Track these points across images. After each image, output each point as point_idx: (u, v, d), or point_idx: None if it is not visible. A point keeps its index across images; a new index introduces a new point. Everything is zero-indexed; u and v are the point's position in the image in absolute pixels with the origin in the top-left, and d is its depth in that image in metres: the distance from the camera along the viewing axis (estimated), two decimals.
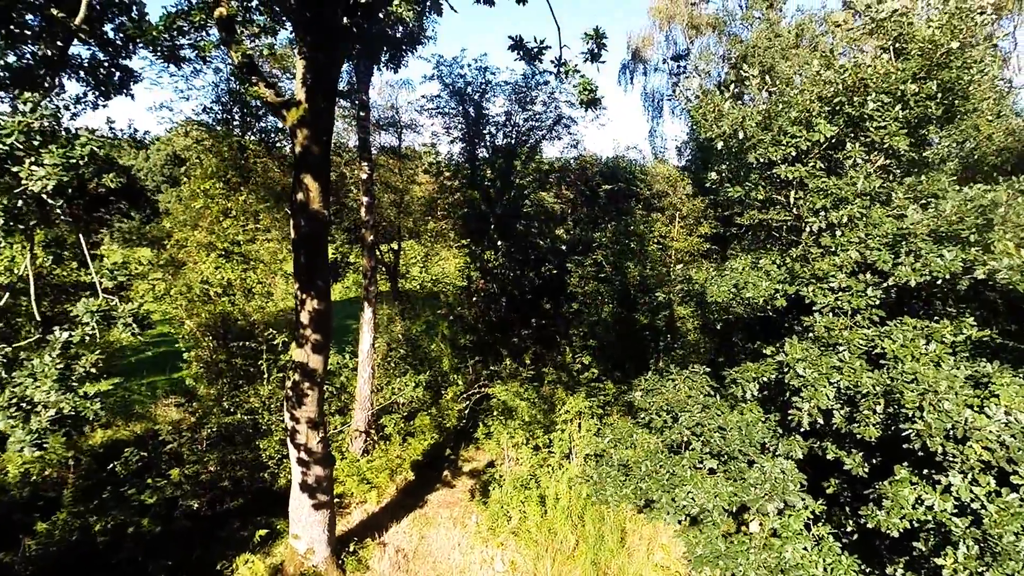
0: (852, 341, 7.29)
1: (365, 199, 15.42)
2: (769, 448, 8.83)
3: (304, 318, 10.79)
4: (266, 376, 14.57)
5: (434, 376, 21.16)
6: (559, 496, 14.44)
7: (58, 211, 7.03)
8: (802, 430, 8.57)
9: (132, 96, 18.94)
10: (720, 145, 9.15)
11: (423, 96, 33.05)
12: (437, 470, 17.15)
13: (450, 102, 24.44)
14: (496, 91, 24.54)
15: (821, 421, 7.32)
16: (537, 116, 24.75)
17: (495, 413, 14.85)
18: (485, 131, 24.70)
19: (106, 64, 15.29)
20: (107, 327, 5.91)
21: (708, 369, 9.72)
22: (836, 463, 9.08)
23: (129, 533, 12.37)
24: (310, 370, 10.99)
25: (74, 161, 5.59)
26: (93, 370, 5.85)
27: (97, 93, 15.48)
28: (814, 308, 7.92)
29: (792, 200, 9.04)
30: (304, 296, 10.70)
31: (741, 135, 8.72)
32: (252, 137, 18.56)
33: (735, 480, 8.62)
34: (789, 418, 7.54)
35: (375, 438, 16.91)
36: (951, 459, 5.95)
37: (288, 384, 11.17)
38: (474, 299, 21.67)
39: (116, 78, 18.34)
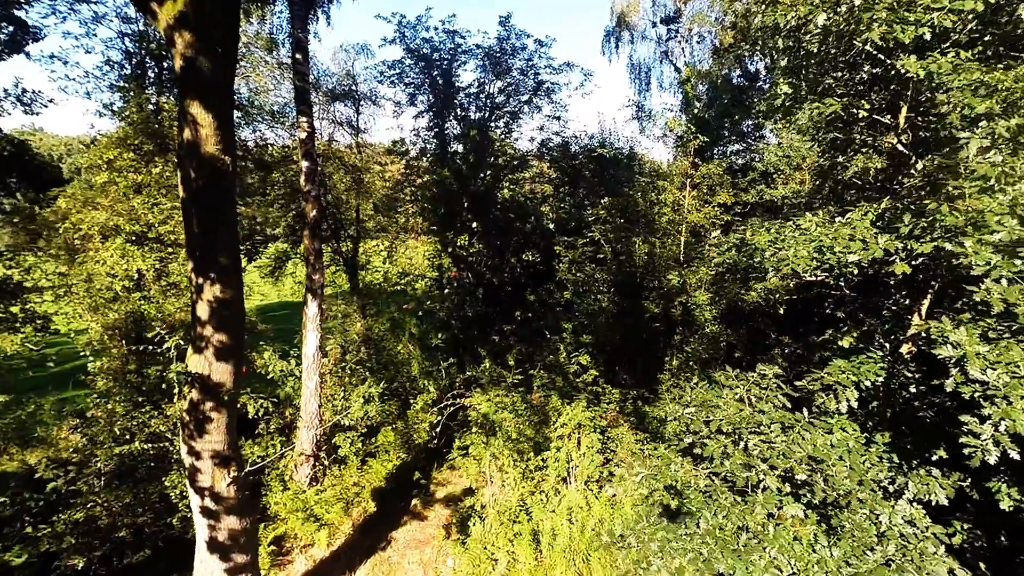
0: None
1: (305, 164, 12.25)
2: (883, 485, 5.97)
3: (202, 311, 7.62)
4: (177, 391, 11.28)
5: (401, 383, 18.08)
6: (556, 532, 11.49)
7: None
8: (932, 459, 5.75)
9: (28, 55, 15.32)
10: (820, 21, 6.17)
11: (383, 62, 29.83)
12: (404, 498, 14.05)
13: (414, 69, 21.36)
14: (467, 57, 21.59)
15: (1018, 456, 4.47)
16: (514, 85, 21.81)
17: (474, 429, 11.82)
18: (455, 102, 21.66)
19: None
20: None
21: (781, 372, 6.83)
22: (958, 500, 6.30)
23: None
24: (213, 385, 7.83)
25: None
26: None
27: None
28: (972, 273, 5.10)
29: (901, 123, 6.21)
30: (200, 279, 7.53)
31: (844, 7, 5.82)
32: (170, 98, 15.16)
33: (840, 538, 5.72)
34: (969, 454, 4.65)
35: (326, 462, 13.74)
36: None
37: (184, 406, 7.99)
38: (446, 291, 18.59)
39: (5, 33, 14.82)
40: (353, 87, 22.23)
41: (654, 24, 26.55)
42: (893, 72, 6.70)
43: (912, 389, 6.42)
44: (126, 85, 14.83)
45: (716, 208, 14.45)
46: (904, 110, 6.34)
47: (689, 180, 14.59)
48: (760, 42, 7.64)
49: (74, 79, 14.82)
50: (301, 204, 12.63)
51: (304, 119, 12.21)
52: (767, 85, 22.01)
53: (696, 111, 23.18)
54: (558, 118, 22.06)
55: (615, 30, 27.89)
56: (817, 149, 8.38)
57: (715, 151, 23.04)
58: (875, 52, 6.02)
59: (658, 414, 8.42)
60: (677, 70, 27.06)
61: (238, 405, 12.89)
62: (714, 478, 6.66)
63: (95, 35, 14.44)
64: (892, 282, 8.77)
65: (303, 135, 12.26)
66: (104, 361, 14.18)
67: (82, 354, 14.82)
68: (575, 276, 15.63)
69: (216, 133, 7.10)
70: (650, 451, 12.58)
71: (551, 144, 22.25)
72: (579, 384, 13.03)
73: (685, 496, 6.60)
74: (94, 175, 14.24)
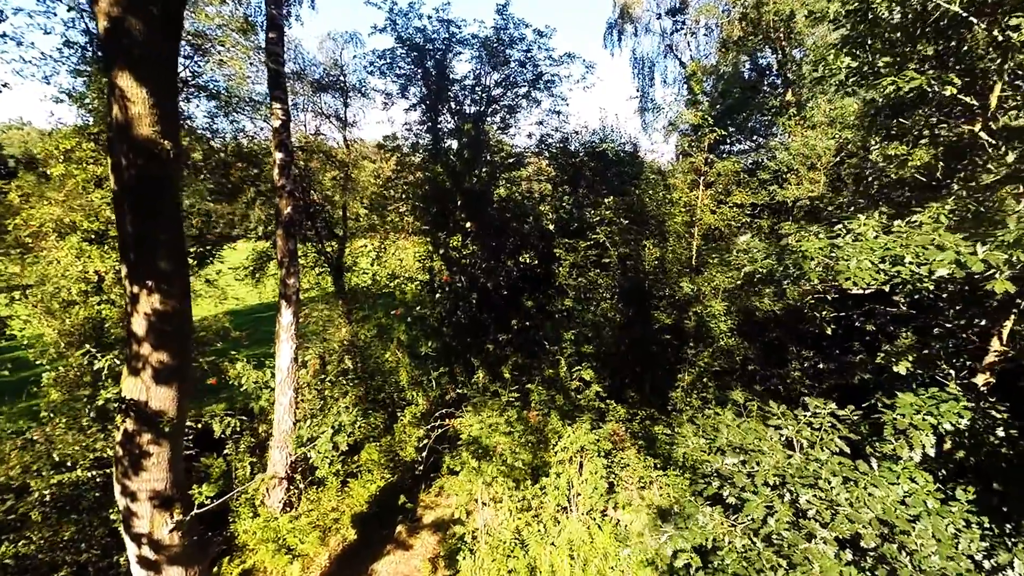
0: None
1: (279, 155, 11.01)
2: (974, 557, 4.77)
3: (138, 325, 6.37)
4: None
5: (389, 393, 16.85)
6: (556, 569, 10.28)
7: None
8: None
9: None
10: None
11: (372, 51, 28.62)
12: (388, 524, 12.81)
13: (406, 59, 20.15)
14: (462, 47, 20.41)
15: None
16: (512, 77, 20.62)
17: (463, 454, 10.59)
18: (449, 94, 20.45)
19: None
20: None
21: (835, 408, 5.60)
22: None
23: None
24: (152, 413, 6.58)
25: None
26: None
27: None
28: None
29: (993, 104, 5.04)
30: (135, 287, 6.29)
31: None
32: None
33: None
34: None
35: (302, 485, 12.49)
36: None
37: (117, 437, 6.74)
38: (437, 296, 17.34)
39: None
40: (341, 77, 20.98)
41: (659, 16, 25.38)
42: (965, 46, 5.53)
43: (1001, 432, 5.26)
44: (87, 69, 13.50)
45: (734, 209, 13.21)
46: (998, 88, 5.16)
47: (703, 178, 13.36)
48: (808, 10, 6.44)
49: (31, 61, 13.46)
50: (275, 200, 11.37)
51: (278, 105, 10.98)
52: (779, 80, 20.89)
53: (703, 107, 22.03)
54: (558, 112, 20.90)
55: (618, 22, 26.69)
56: (876, 140, 7.18)
57: (722, 149, 21.92)
58: (965, 14, 4.85)
59: (680, 449, 7.21)
60: (682, 64, 25.90)
61: (200, 424, 11.64)
62: (754, 537, 5.45)
63: (54, 14, 13.08)
64: (945, 295, 7.58)
65: (277, 123, 11.03)
66: (60, 371, 12.90)
67: (39, 363, 13.52)
68: (576, 281, 14.40)
69: (152, 112, 5.86)
70: (660, 479, 11.40)
71: (550, 140, 21.08)
72: (581, 402, 11.82)
73: (719, 561, 5.39)
74: (50, 166, 12.94)
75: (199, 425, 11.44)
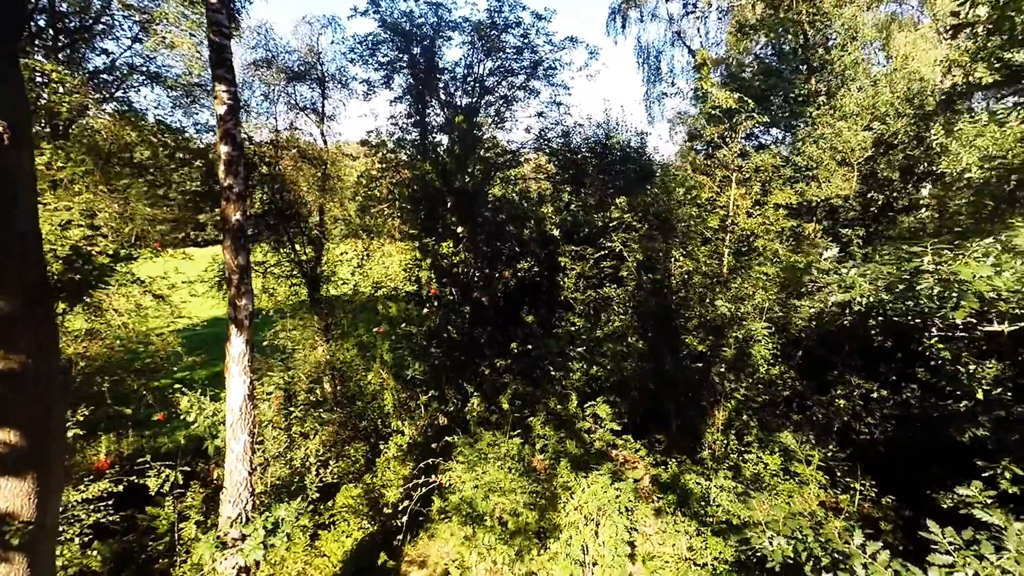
0: None
1: (224, 149, 8.95)
2: None
3: None
4: None
5: (372, 419, 14.87)
6: None
7: None
8: None
9: None
10: None
11: (353, 36, 26.60)
12: None
13: (391, 45, 18.21)
14: (453, 32, 18.49)
15: None
16: (508, 64, 18.68)
17: (453, 519, 8.56)
18: (439, 84, 18.51)
19: None
20: None
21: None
22: None
23: None
24: None
25: None
26: None
27: None
28: None
29: None
30: None
31: None
32: (61, 66, 11.71)
33: None
34: None
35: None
36: None
37: None
38: (425, 311, 15.32)
39: None
40: (318, 65, 18.97)
41: None
42: None
43: None
44: None
45: (779, 210, 11.07)
46: None
47: (735, 174, 11.23)
48: None
49: None
50: (221, 204, 9.29)
51: (222, 87, 8.90)
52: (804, 67, 18.94)
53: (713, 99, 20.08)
54: (559, 104, 18.93)
55: (622, 7, 24.67)
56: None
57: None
58: None
59: (755, 540, 5.32)
60: (691, 52, 23.93)
61: (121, 486, 9.56)
62: None
63: None
64: None
65: (222, 109, 8.95)
66: None
67: None
68: (585, 295, 12.40)
69: None
70: (687, 528, 9.42)
71: (550, 134, 19.11)
72: (596, 444, 9.80)
73: None
74: None
75: (120, 487, 9.40)
